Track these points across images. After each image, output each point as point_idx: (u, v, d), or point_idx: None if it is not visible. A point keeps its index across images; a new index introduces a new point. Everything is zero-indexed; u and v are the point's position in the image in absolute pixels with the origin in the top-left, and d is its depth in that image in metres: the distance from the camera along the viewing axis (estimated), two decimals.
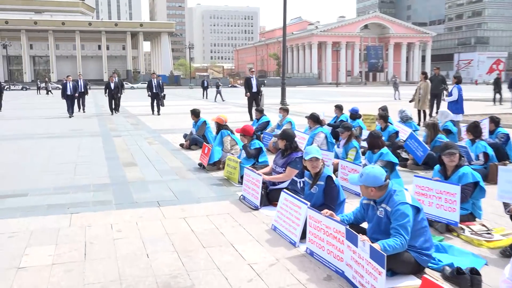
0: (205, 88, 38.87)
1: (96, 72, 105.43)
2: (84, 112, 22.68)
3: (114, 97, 21.54)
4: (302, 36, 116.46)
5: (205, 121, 10.92)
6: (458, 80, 12.90)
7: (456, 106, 12.52)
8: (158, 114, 20.95)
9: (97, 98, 40.63)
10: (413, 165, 8.35)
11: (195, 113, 11.02)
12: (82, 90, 22.50)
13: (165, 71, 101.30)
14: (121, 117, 20.13)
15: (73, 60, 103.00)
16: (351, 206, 5.81)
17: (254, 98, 17.99)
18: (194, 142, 10.85)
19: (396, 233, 3.68)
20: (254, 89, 17.92)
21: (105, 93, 21.94)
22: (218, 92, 35.06)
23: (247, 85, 18.04)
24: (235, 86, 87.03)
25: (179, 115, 20.78)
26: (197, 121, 10.99)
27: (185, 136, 11.65)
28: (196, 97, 42.29)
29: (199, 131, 10.87)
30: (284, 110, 11.33)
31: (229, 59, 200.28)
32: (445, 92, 15.33)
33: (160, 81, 21.67)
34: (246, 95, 18.14)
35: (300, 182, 5.84)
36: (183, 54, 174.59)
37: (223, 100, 33.16)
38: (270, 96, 33.77)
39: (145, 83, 78.64)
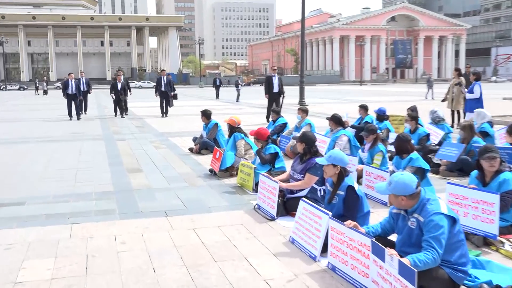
0: (217, 87, 38.78)
1: (99, 70, 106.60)
2: (85, 113, 22.79)
3: (120, 98, 21.31)
4: (323, 30, 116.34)
5: (216, 123, 10.95)
6: (477, 77, 12.70)
7: (477, 105, 12.36)
8: (166, 115, 20.92)
9: (99, 98, 41.01)
10: (446, 171, 8.26)
11: (206, 115, 11.05)
12: (86, 89, 22.43)
13: (173, 68, 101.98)
14: (126, 119, 20.27)
15: (74, 58, 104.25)
16: (377, 217, 5.76)
17: (275, 99, 17.73)
18: (204, 146, 10.88)
19: (428, 246, 3.63)
20: (276, 89, 17.57)
21: (111, 93, 21.63)
22: (238, 91, 35.03)
23: (268, 84, 17.74)
24: (248, 85, 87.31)
25: (188, 117, 20.87)
26: (208, 123, 11.02)
27: (194, 139, 11.70)
28: (206, 96, 42.45)
29: (210, 134, 10.90)
30: (303, 111, 11.31)
31: (242, 55, 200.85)
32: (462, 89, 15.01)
33: (170, 79, 21.56)
34: (265, 97, 17.84)
35: (320, 190, 5.81)
36: (192, 50, 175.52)
37: (237, 101, 33.19)
38: (288, 96, 33.65)
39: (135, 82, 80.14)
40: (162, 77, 21.29)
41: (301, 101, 26.37)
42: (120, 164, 9.77)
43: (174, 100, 21.90)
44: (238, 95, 34.70)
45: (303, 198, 5.20)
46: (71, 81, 20.33)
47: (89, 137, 14.49)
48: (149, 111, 24.63)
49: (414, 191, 3.84)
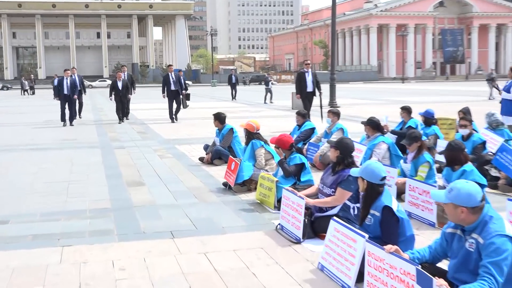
0: (233, 86, 38.70)
1: (95, 66, 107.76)
2: (80, 117, 22.66)
3: (122, 99, 20.94)
4: (357, 18, 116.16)
5: (232, 129, 10.97)
6: None
7: None
8: (176, 120, 20.61)
9: (94, 99, 41.44)
10: (506, 185, 8.15)
11: (220, 118, 11.08)
12: (79, 89, 21.80)
13: (181, 64, 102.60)
14: (126, 124, 20.39)
15: (66, 52, 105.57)
16: (424, 240, 5.70)
17: (309, 100, 17.38)
18: (217, 155, 10.91)
19: (486, 273, 3.56)
20: (310, 88, 17.26)
21: (111, 95, 21.25)
22: (269, 91, 34.64)
23: (299, 82, 17.45)
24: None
25: (198, 121, 20.97)
26: (221, 129, 11.05)
27: (206, 147, 11.72)
28: (220, 97, 42.60)
29: (224, 141, 10.93)
30: (334, 113, 11.26)
31: (262, 48, 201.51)
32: (498, 86, 14.75)
33: (181, 76, 21.21)
34: (297, 97, 17.62)
35: (354, 208, 5.78)
36: (203, 43, 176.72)
37: (271, 102, 33.05)
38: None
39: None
40: (169, 74, 20.75)
41: (332, 102, 26.32)
42: (119, 177, 9.84)
43: (186, 101, 21.34)
44: (271, 94, 34.37)
45: (334, 217, 5.18)
46: (66, 79, 20.08)
47: (82, 144, 14.62)
48: (153, 114, 24.74)
49: (477, 204, 3.78)
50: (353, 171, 5.28)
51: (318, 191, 6.36)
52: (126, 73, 21.91)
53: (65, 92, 19.97)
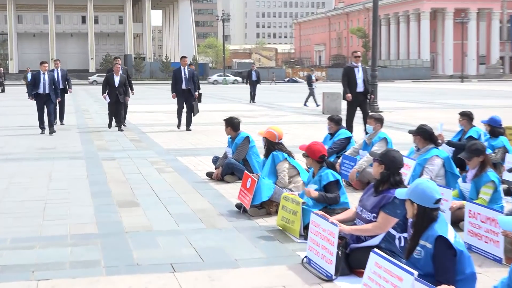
0: (253, 84, 38.08)
1: (79, 58, 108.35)
2: (62, 123, 22.33)
3: (118, 100, 19.81)
4: (405, 1, 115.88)
5: (247, 137, 10.97)
6: None
7: None
8: (188, 128, 19.98)
9: (77, 99, 41.66)
10: None
11: (233, 124, 11.09)
12: (61, 87, 21.39)
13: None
14: (116, 130, 20.17)
15: (44, 40, 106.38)
16: (488, 279, 5.67)
17: (360, 103, 16.72)
18: (229, 170, 10.92)
19: None
20: (360, 88, 16.48)
21: (104, 92, 20.20)
22: (311, 91, 34.55)
23: (348, 79, 16.70)
24: (296, 81, 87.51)
25: (206, 127, 21.06)
26: (235, 137, 11.05)
27: (215, 160, 11.75)
28: (233, 97, 42.55)
29: (238, 152, 10.93)
30: (376, 119, 11.19)
31: (285, 37, 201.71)
32: None
33: (194, 73, 20.50)
34: (347, 97, 16.82)
35: (400, 238, 5.76)
36: (213, 30, 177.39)
37: (306, 105, 33.13)
38: None
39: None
40: (182, 68, 20.00)
41: (373, 106, 26.21)
42: (107, 195, 9.88)
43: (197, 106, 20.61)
44: (313, 95, 34.18)
45: (375, 249, 5.16)
46: (43, 74, 19.16)
47: (63, 155, 14.69)
48: (150, 118, 24.86)
49: None
50: (399, 192, 5.24)
51: (356, 216, 6.33)
52: (121, 67, 20.78)
53: (41, 91, 19.07)
